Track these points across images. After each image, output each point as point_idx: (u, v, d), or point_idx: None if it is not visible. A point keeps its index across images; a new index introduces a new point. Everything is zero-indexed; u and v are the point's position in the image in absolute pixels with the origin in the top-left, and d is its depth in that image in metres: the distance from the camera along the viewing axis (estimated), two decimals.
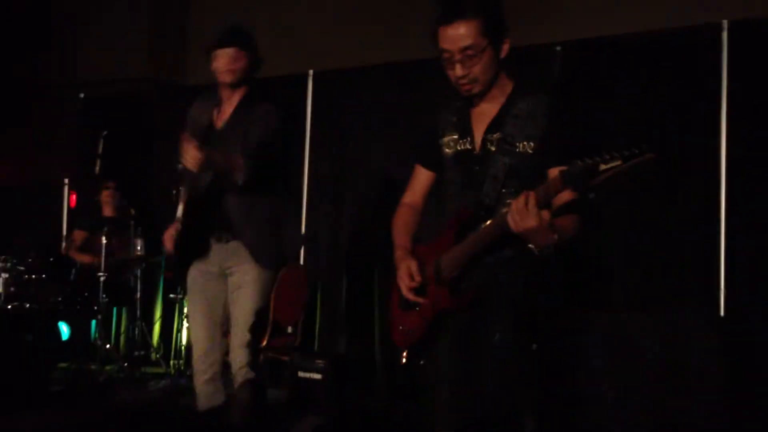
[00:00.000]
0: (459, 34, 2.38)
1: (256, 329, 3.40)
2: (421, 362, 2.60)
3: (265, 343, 4.61)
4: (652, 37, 4.78)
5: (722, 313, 4.44)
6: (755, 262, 4.42)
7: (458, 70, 2.42)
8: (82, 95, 7.13)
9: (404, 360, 2.61)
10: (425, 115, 2.76)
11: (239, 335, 3.35)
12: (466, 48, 2.38)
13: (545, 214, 2.17)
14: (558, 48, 5.02)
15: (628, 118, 4.78)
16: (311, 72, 6.13)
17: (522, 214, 2.17)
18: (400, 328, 2.61)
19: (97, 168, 5.94)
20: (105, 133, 5.97)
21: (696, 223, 4.59)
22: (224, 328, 3.50)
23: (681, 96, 4.66)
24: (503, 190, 2.43)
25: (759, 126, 4.46)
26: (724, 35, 4.53)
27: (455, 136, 2.57)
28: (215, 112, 3.41)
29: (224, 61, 3.32)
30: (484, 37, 2.38)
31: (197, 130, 3.38)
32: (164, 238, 3.45)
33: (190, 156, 3.01)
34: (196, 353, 3.45)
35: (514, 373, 2.39)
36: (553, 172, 2.30)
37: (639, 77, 4.79)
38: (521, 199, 2.17)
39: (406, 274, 2.52)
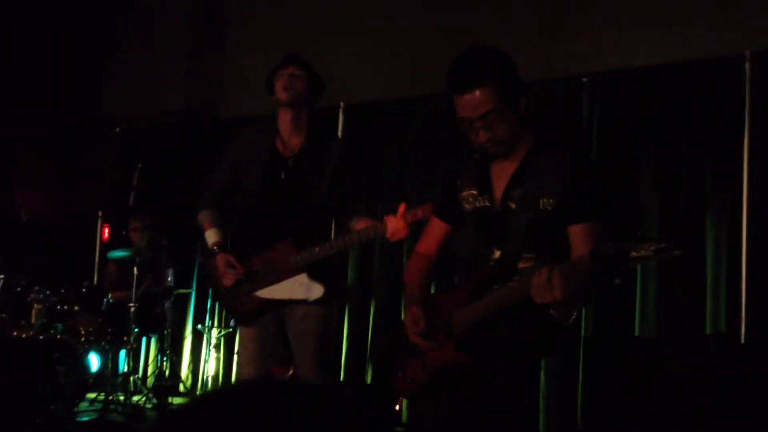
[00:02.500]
0: (477, 100, 2.39)
1: (325, 367, 3.40)
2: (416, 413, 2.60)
3: (291, 372, 4.62)
4: (676, 68, 4.77)
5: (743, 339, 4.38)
6: None
7: (481, 136, 2.43)
8: (118, 129, 7.29)
9: (397, 408, 2.62)
10: (456, 147, 2.77)
11: (308, 373, 3.31)
12: (486, 113, 2.40)
13: (571, 285, 2.14)
14: (585, 80, 5.05)
15: (652, 149, 4.76)
16: (342, 104, 6.20)
17: (546, 288, 2.15)
18: (400, 374, 2.61)
19: (131, 200, 6.04)
20: (140, 165, 6.08)
21: (718, 252, 4.53)
22: (272, 361, 3.51)
23: (704, 126, 4.64)
24: (524, 247, 2.44)
25: None
26: (747, 66, 4.51)
27: (474, 192, 2.58)
28: (278, 141, 3.39)
29: (284, 80, 3.32)
30: (502, 99, 2.40)
31: (256, 161, 3.38)
32: (217, 268, 3.38)
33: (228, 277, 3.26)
34: None
35: (501, 418, 2.38)
36: (574, 229, 2.35)
37: (663, 108, 4.78)
38: (544, 273, 2.15)
39: (411, 320, 2.54)
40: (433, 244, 2.77)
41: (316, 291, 3.28)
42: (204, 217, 3.50)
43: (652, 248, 2.04)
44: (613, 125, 4.90)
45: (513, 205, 2.47)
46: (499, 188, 2.53)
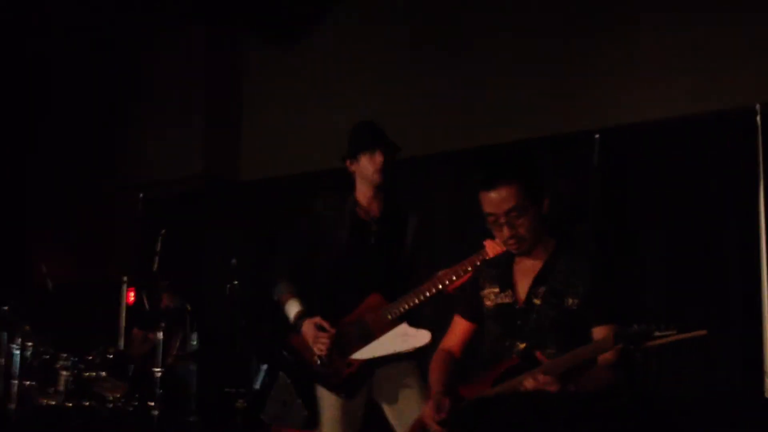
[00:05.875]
0: (502, 197, 2.51)
1: None
2: None
3: None
4: (687, 122, 4.83)
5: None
6: None
7: (505, 232, 2.54)
8: (141, 195, 7.41)
9: None
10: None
11: None
12: (510, 210, 2.51)
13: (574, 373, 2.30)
14: (597, 135, 5.10)
15: (664, 203, 4.80)
16: None
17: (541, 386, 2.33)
18: None
19: (155, 265, 6.12)
20: (163, 231, 6.17)
21: (735, 314, 4.53)
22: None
23: (717, 180, 4.67)
24: (547, 342, 2.51)
25: None
26: (758, 119, 4.56)
27: (496, 290, 2.67)
28: (358, 210, 3.49)
29: (379, 164, 3.41)
30: (526, 197, 2.52)
31: (338, 230, 3.45)
32: (305, 338, 3.34)
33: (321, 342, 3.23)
34: None
35: None
36: (598, 331, 2.44)
37: (675, 161, 4.82)
38: (529, 379, 2.35)
39: (431, 408, 2.60)
40: (458, 341, 2.84)
41: (423, 337, 3.23)
42: (282, 288, 3.51)
43: (675, 329, 2.11)
44: (625, 180, 4.95)
45: (538, 302, 2.56)
46: (522, 285, 2.62)
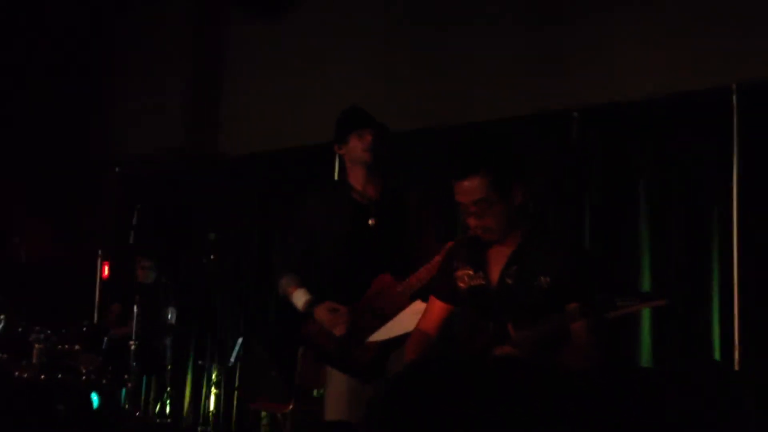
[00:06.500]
0: (471, 188, 2.54)
1: None
2: None
3: (291, 407, 4.63)
4: (665, 101, 4.84)
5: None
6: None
7: (472, 221, 2.58)
8: (117, 170, 7.37)
9: None
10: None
11: None
12: (478, 201, 2.54)
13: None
14: (575, 114, 5.13)
15: (643, 181, 4.83)
16: None
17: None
18: None
19: (131, 240, 6.10)
20: (139, 206, 6.15)
21: (708, 288, 4.57)
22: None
23: (694, 159, 4.70)
24: (518, 323, 2.51)
25: None
26: (734, 98, 4.58)
27: (470, 271, 2.69)
28: (354, 195, 3.49)
29: (367, 142, 3.43)
30: (495, 191, 2.53)
31: (338, 217, 3.45)
32: (319, 323, 3.34)
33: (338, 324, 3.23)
34: None
35: None
36: (571, 307, 2.44)
37: (652, 141, 4.85)
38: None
39: None
40: (434, 322, 2.84)
41: None
42: (287, 281, 3.52)
43: (637, 299, 2.15)
44: (604, 158, 4.97)
45: (510, 281, 2.58)
46: (495, 267, 2.63)
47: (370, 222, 3.43)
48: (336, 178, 6.21)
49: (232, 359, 5.78)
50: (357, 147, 3.45)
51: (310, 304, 3.41)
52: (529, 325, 2.46)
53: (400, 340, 3.19)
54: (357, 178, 3.51)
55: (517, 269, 2.56)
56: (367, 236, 3.43)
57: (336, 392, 3.36)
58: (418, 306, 3.17)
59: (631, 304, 2.23)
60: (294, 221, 3.63)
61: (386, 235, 3.43)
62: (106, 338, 6.09)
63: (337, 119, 3.57)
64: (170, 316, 6.10)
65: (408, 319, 3.19)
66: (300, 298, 3.45)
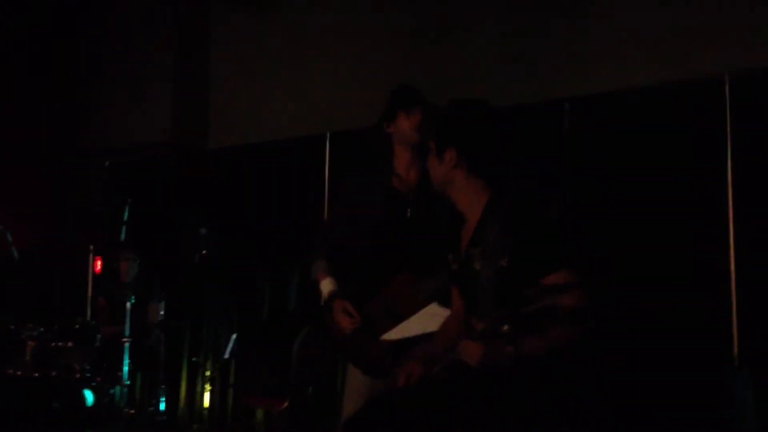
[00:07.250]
0: (414, 121, 2.75)
1: None
2: None
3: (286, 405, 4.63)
4: (657, 91, 4.82)
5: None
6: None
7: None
8: (107, 163, 7.32)
9: None
10: None
11: None
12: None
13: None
14: (566, 104, 5.09)
15: (634, 172, 4.81)
16: (329, 134, 6.22)
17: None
18: None
19: (122, 235, 6.06)
20: (130, 200, 6.11)
21: (705, 280, 4.57)
22: None
23: (687, 149, 4.69)
24: (492, 305, 2.40)
25: (765, 178, 4.48)
26: (727, 88, 4.57)
27: (451, 255, 2.65)
28: (395, 180, 3.36)
29: (416, 120, 3.28)
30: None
31: (374, 203, 3.34)
32: (333, 316, 3.31)
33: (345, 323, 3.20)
34: None
35: None
36: (548, 280, 2.35)
37: (645, 131, 4.83)
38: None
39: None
40: (456, 308, 2.79)
41: None
42: (319, 267, 3.45)
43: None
44: (595, 149, 4.95)
45: (476, 266, 2.48)
46: (464, 249, 2.57)
47: (407, 213, 3.32)
48: (327, 168, 6.20)
49: (227, 355, 5.78)
50: (404, 125, 3.30)
51: (332, 297, 3.35)
52: (491, 314, 2.34)
53: (413, 341, 3.15)
54: (401, 161, 3.36)
55: (480, 252, 2.46)
56: (399, 228, 3.31)
57: (354, 388, 3.32)
58: (434, 309, 3.13)
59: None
60: (335, 203, 3.57)
61: (418, 229, 3.29)
62: (98, 335, 6.07)
63: (388, 96, 3.42)
64: (161, 311, 6.08)
65: (422, 321, 3.14)
66: (326, 286, 3.39)
